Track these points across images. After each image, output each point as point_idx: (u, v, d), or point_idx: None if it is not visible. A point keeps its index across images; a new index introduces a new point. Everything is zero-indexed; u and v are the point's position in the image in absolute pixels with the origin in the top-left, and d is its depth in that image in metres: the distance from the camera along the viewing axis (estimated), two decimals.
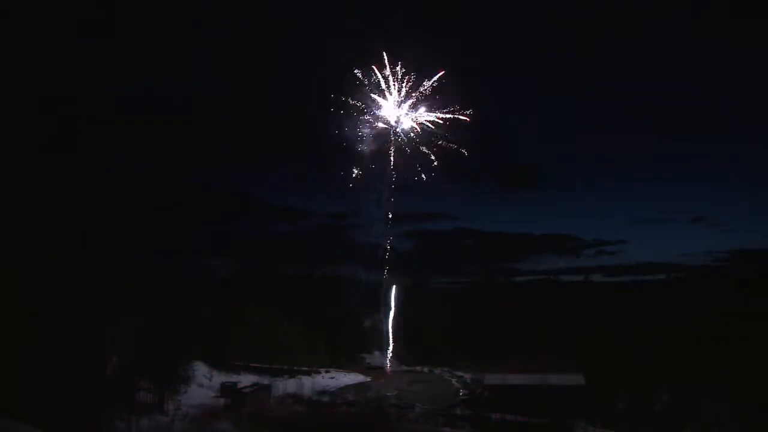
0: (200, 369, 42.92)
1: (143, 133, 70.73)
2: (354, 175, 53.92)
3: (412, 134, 53.80)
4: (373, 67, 51.09)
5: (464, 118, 51.61)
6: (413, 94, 52.17)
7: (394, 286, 62.66)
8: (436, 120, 52.45)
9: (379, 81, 51.35)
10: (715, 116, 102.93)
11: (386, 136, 54.28)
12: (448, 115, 51.90)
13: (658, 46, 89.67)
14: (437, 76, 51.43)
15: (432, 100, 52.21)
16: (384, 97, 52.23)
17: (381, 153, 54.85)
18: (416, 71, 51.80)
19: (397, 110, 52.92)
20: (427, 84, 51.72)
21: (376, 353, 59.16)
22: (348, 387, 48.85)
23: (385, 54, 50.90)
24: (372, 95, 51.67)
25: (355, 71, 51.20)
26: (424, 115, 52.57)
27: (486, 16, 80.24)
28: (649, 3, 78.21)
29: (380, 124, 53.49)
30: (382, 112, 52.93)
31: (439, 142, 52.69)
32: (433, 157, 53.25)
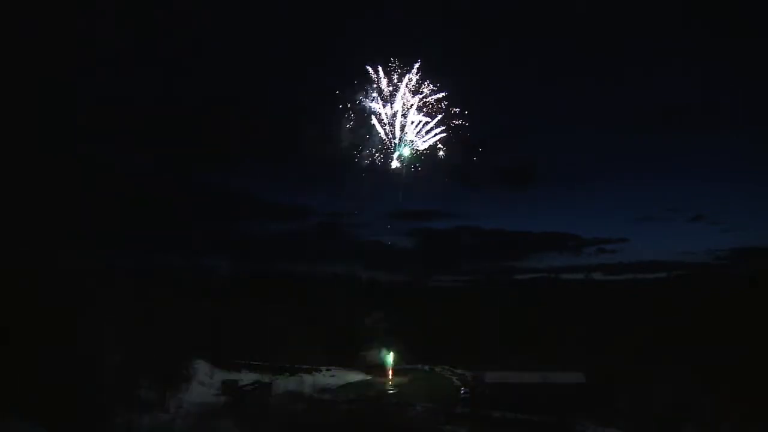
0: (201, 367, 43.03)
1: (144, 132, 70.75)
2: (354, 175, 53.77)
3: (410, 135, 53.69)
4: (370, 68, 50.89)
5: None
6: (411, 96, 51.96)
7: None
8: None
9: (377, 83, 51.09)
10: (715, 115, 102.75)
11: (386, 136, 54.14)
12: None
13: (659, 45, 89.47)
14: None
15: (429, 100, 52.01)
16: (382, 98, 52.05)
17: (381, 153, 54.72)
18: (413, 72, 51.64)
19: (394, 111, 52.69)
20: (422, 82, 51.49)
21: (377, 351, 59.21)
22: (349, 385, 48.94)
23: (382, 55, 50.77)
24: (370, 97, 51.42)
25: (356, 71, 51.10)
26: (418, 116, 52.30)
27: (485, 16, 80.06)
28: (652, 1, 77.99)
29: (378, 125, 53.31)
30: (380, 113, 52.75)
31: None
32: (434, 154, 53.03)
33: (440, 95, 51.70)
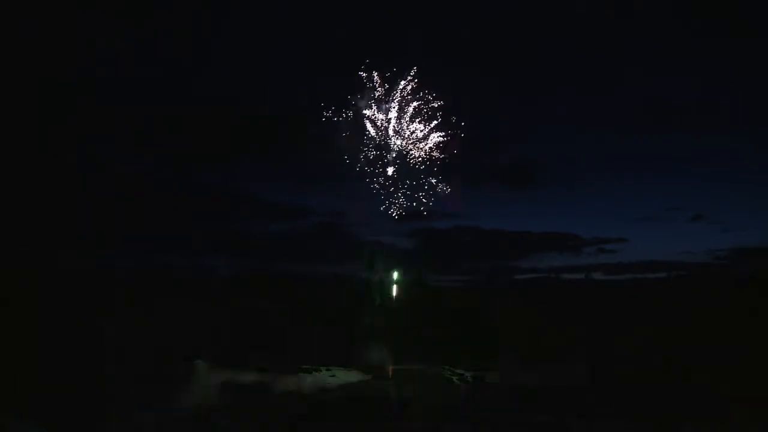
0: (201, 367, 43.00)
1: (143, 131, 70.63)
2: (353, 176, 53.74)
3: (409, 136, 53.66)
4: (363, 73, 50.80)
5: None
6: (408, 99, 51.87)
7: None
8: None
9: (372, 85, 51.00)
10: (715, 115, 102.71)
11: (385, 137, 54.13)
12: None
13: (659, 45, 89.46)
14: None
15: (427, 107, 51.95)
16: (380, 98, 51.98)
17: (381, 153, 54.71)
18: (411, 71, 51.56)
19: (388, 117, 52.62)
20: (420, 83, 51.30)
21: (377, 351, 59.14)
22: (349, 385, 48.93)
23: (380, 56, 50.64)
24: (365, 100, 51.29)
25: (354, 73, 51.02)
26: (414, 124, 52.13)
27: (485, 16, 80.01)
28: (652, 1, 77.97)
29: (372, 128, 53.24)
30: (375, 117, 52.71)
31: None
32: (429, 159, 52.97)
33: (440, 103, 51.73)
